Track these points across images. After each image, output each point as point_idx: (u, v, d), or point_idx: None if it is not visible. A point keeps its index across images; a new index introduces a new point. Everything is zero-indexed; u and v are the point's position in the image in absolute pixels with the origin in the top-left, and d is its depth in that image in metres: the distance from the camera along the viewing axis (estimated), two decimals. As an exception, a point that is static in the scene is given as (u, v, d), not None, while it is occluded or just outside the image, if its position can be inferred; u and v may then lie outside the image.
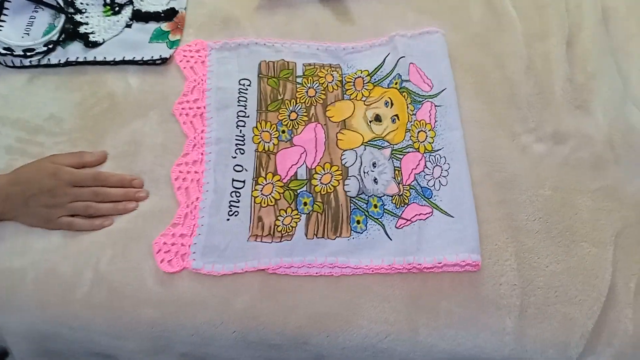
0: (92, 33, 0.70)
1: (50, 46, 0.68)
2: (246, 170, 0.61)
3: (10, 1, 0.72)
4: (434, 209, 0.58)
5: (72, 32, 0.70)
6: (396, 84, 0.66)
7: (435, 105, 0.64)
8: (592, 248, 0.57)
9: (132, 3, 0.73)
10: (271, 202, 0.59)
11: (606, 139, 0.62)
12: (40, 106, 0.66)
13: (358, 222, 0.58)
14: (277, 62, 0.69)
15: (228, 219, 0.58)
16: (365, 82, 0.67)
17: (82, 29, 0.70)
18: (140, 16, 0.72)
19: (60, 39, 0.69)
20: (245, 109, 0.65)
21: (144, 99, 0.66)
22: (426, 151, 0.61)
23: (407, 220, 0.57)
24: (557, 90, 0.65)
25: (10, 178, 0.58)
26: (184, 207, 0.58)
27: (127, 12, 0.72)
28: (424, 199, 0.58)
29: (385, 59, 0.68)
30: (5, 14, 0.71)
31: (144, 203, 0.60)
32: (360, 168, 0.61)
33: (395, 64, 0.67)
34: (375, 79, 0.67)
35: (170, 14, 0.72)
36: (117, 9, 0.72)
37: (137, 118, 0.65)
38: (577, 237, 0.57)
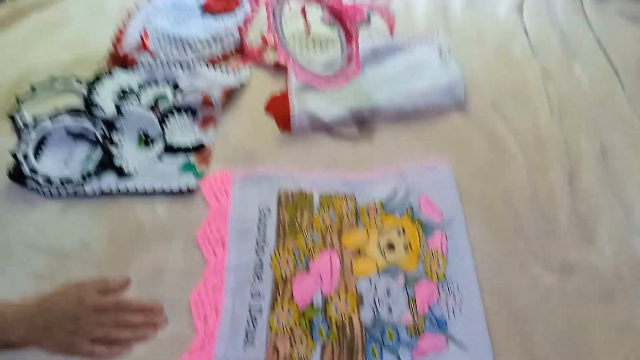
0: (125, 165, 0.76)
1: (86, 177, 0.74)
2: (263, 298, 0.63)
3: (51, 135, 0.79)
4: (448, 340, 0.58)
5: (107, 163, 0.76)
6: (408, 213, 0.70)
7: (446, 235, 0.67)
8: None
9: (164, 137, 0.79)
10: (287, 330, 0.60)
11: (613, 270, 0.63)
12: (72, 234, 0.70)
13: (374, 353, 0.58)
14: (296, 192, 0.73)
15: (244, 349, 0.59)
16: (378, 211, 0.71)
17: (117, 161, 0.76)
18: (170, 149, 0.78)
19: (96, 170, 0.75)
20: (265, 236, 0.68)
21: (169, 227, 0.70)
22: (439, 280, 0.63)
23: (423, 351, 0.58)
24: (562, 222, 0.68)
25: (35, 304, 0.60)
26: (201, 335, 0.59)
27: (159, 145, 0.79)
28: (439, 330, 0.59)
29: (396, 189, 0.73)
30: (46, 147, 0.78)
31: (163, 329, 0.61)
32: (374, 295, 0.62)
33: (407, 195, 0.72)
34: (388, 209, 0.71)
35: (198, 148, 0.78)
36: (150, 142, 0.79)
37: (161, 245, 0.68)
38: (592, 370, 0.57)
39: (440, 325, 0.60)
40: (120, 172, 0.75)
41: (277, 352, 0.59)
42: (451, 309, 0.61)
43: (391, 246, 0.67)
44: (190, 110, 0.83)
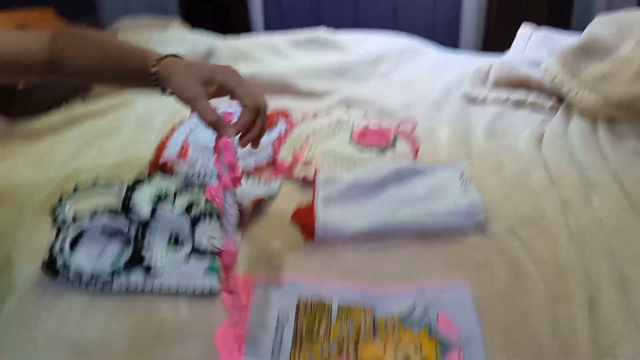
0: (154, 264, 0.79)
1: (115, 273, 0.77)
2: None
3: (88, 232, 0.84)
4: None
5: (136, 261, 0.79)
6: (425, 330, 0.70)
7: (463, 355, 0.67)
8: None
9: (193, 240, 0.83)
10: None
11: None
12: (95, 329, 0.71)
13: None
14: (315, 300, 0.74)
15: None
16: (396, 326, 0.71)
17: (146, 261, 0.79)
18: (197, 251, 0.82)
19: (125, 266, 0.78)
20: (281, 343, 0.69)
21: (189, 327, 0.71)
22: (455, 402, 0.62)
23: None
24: (582, 351, 0.67)
25: None
26: None
27: (188, 247, 0.82)
28: None
29: (415, 305, 0.73)
30: (82, 243, 0.82)
31: None
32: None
33: (425, 311, 0.72)
34: (406, 324, 0.71)
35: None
36: (179, 243, 0.83)
37: (181, 345, 0.69)
38: None
39: None
40: (148, 270, 0.78)
41: None
42: None
43: (408, 362, 0.67)
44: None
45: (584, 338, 0.69)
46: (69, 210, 0.88)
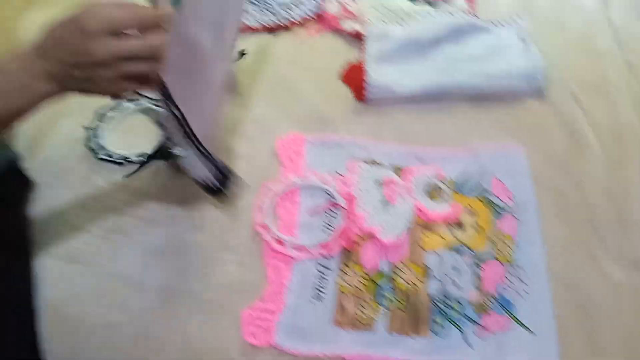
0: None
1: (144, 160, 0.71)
2: (332, 258, 0.64)
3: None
4: (514, 322, 0.59)
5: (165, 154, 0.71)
6: (479, 194, 0.70)
7: (517, 219, 0.67)
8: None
9: None
10: (354, 291, 0.62)
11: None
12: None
13: (438, 323, 0.59)
14: (367, 160, 0.74)
15: (313, 303, 0.61)
16: (450, 189, 0.71)
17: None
18: None
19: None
20: (335, 201, 0.69)
21: (244, 179, 0.70)
22: (507, 262, 0.64)
23: (487, 329, 0.59)
24: (636, 218, 0.67)
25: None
26: (272, 285, 0.62)
27: None
28: (505, 310, 0.60)
29: (468, 169, 0.73)
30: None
31: (234, 274, 0.64)
32: (442, 271, 0.63)
33: (479, 175, 0.72)
34: (458, 187, 0.71)
35: None
36: None
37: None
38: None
39: (507, 306, 0.60)
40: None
41: (345, 310, 0.60)
42: (518, 292, 0.61)
43: (460, 225, 0.68)
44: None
45: (638, 205, 0.68)
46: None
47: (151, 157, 0.67)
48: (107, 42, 0.50)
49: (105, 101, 0.75)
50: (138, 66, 0.53)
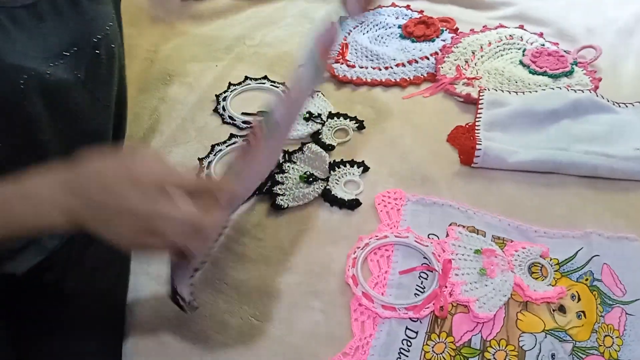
0: (282, 195, 0.76)
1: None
2: (421, 322, 0.62)
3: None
4: None
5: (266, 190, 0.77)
6: (586, 280, 0.65)
7: (627, 313, 0.62)
8: None
9: (327, 181, 0.78)
10: (441, 361, 0.59)
11: None
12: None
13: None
14: (468, 227, 0.72)
15: (396, 366, 0.59)
16: (553, 270, 0.67)
17: (275, 188, 0.76)
18: (327, 196, 0.76)
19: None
20: (431, 264, 0.68)
21: (340, 229, 0.73)
22: (611, 358, 0.58)
23: None
24: None
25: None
26: (357, 340, 0.61)
27: (319, 187, 0.77)
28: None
29: (577, 252, 0.69)
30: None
31: (320, 323, 0.63)
32: (538, 356, 0.59)
33: (588, 261, 0.67)
34: (564, 270, 0.67)
35: (353, 205, 0.75)
36: (312, 181, 0.78)
37: (330, 245, 0.71)
38: None
39: (609, 407, 0.55)
40: (273, 203, 0.75)
41: (429, 379, 0.58)
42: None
43: (562, 309, 0.63)
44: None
45: None
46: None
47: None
48: (154, 197, 0.46)
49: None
50: (174, 230, 0.47)
